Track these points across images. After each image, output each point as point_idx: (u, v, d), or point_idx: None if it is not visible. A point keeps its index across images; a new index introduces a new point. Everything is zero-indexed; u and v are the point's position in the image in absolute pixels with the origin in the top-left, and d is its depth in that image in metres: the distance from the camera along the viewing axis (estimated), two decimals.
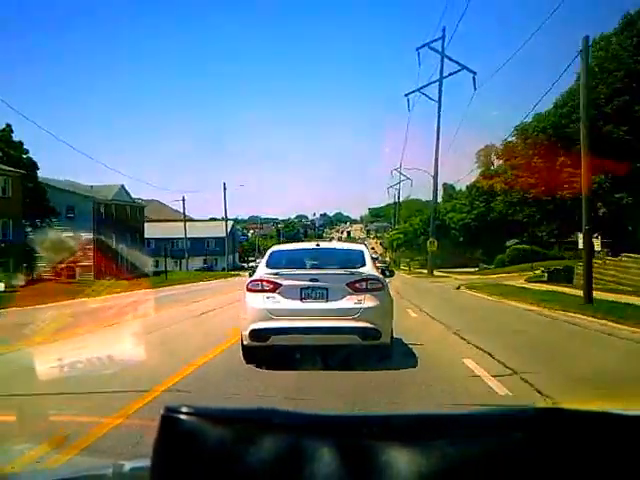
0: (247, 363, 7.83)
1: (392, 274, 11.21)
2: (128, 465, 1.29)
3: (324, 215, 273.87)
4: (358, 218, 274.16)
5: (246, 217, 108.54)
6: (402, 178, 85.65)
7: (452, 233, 74.82)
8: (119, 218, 55.80)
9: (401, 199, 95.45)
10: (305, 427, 0.75)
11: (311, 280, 7.76)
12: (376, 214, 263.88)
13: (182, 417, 0.74)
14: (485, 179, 74.95)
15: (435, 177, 48.41)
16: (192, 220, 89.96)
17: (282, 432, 0.73)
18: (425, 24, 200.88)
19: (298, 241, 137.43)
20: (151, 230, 67.96)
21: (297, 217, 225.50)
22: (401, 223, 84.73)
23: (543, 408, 0.80)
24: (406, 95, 50.31)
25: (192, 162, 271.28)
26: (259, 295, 7.79)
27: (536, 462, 0.70)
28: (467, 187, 75.44)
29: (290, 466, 0.70)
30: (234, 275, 64.49)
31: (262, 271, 8.08)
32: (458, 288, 28.15)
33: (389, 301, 8.13)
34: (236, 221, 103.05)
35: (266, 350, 7.79)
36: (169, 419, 0.75)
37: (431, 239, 47.99)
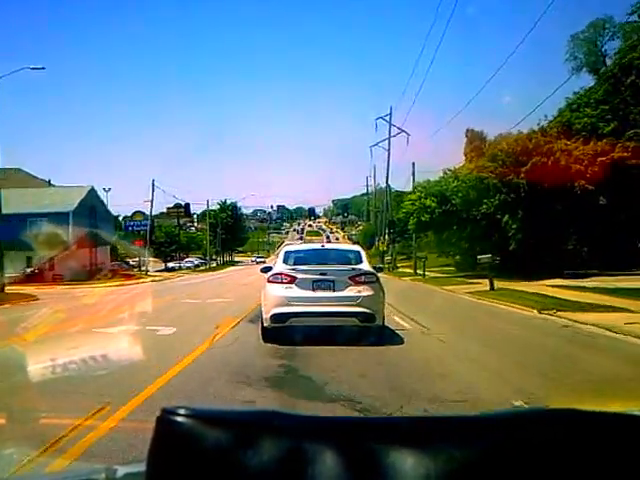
0: (265, 342, 9.65)
1: (381, 270, 12.90)
2: (122, 470, 1.18)
3: (282, 207, 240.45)
4: (321, 212, 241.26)
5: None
6: (396, 131, 47.57)
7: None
8: None
9: (371, 188, 73.63)
10: (307, 430, 0.72)
11: (321, 274, 9.81)
12: (342, 206, 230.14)
13: (179, 419, 0.70)
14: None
15: None
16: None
17: (282, 435, 0.70)
18: None
19: (238, 231, 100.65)
20: None
21: (253, 211, 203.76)
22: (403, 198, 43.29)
23: (553, 409, 0.77)
24: None
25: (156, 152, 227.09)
26: (279, 286, 9.78)
27: (545, 463, 0.68)
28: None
29: (290, 470, 0.67)
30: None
31: (281, 266, 10.19)
32: None
33: (382, 291, 10.10)
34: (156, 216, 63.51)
35: (281, 331, 9.66)
36: (165, 420, 0.71)
37: None
